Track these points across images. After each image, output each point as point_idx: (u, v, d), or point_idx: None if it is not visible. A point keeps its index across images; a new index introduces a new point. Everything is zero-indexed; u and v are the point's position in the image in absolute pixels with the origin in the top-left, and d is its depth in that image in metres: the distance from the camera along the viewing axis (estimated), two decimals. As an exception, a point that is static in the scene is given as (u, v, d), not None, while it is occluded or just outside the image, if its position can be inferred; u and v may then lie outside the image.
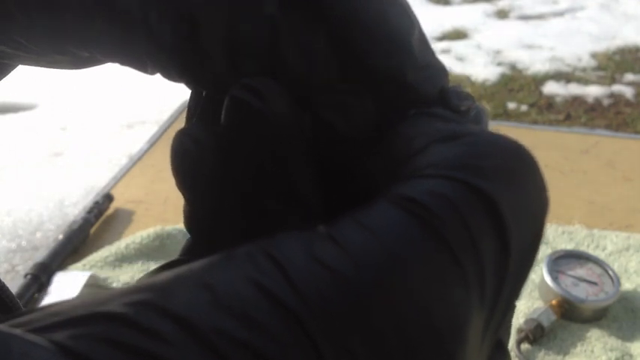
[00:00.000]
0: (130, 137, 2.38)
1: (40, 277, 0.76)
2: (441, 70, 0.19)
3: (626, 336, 0.71)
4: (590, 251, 0.80)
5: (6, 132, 2.47)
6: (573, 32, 3.22)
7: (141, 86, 2.58)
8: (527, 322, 0.70)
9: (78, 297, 0.15)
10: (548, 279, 0.73)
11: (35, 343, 0.12)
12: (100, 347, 0.12)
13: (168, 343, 0.12)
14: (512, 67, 2.91)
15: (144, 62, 0.19)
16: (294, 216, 0.18)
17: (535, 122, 2.44)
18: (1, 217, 1.97)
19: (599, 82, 2.76)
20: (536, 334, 0.70)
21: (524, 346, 0.70)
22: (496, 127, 1.11)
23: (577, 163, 1.02)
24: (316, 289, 0.13)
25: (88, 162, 2.25)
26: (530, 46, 3.08)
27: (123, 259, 0.80)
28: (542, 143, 1.06)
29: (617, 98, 2.65)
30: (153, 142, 1.09)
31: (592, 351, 0.68)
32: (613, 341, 0.69)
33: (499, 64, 2.93)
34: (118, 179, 0.99)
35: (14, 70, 0.23)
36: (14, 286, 0.75)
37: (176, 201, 0.91)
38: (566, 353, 0.69)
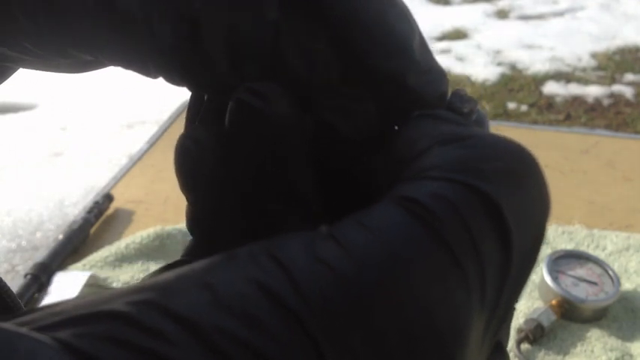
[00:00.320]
0: (130, 137, 2.38)
1: (40, 277, 0.76)
2: (442, 74, 0.19)
3: (626, 336, 0.71)
4: (590, 251, 0.80)
5: (6, 132, 2.47)
6: (573, 32, 3.22)
7: (141, 86, 2.58)
8: (527, 322, 0.70)
9: (80, 296, 0.15)
10: (548, 279, 0.73)
11: (40, 341, 0.12)
12: (104, 346, 0.12)
13: (170, 342, 0.12)
14: (512, 67, 2.90)
15: (146, 65, 0.19)
16: (294, 216, 0.18)
17: (535, 122, 2.44)
18: (1, 217, 1.97)
19: (599, 82, 2.76)
20: (536, 334, 0.70)
21: (524, 346, 0.70)
22: (496, 127, 1.11)
23: (577, 163, 1.02)
24: (318, 289, 0.13)
25: (88, 162, 2.25)
26: (530, 46, 3.08)
27: (123, 259, 0.80)
28: (542, 143, 1.06)
29: (617, 98, 2.65)
30: (153, 142, 1.09)
31: (592, 351, 0.68)
32: (613, 341, 0.69)
33: (499, 64, 2.93)
34: (118, 179, 0.99)
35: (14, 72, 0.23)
36: (14, 286, 0.75)
37: (176, 201, 0.91)
38: (566, 353, 0.69)
